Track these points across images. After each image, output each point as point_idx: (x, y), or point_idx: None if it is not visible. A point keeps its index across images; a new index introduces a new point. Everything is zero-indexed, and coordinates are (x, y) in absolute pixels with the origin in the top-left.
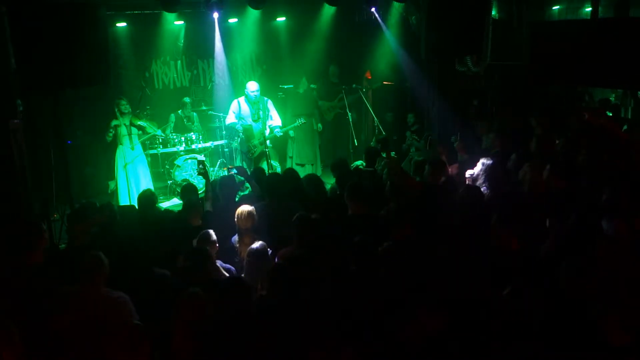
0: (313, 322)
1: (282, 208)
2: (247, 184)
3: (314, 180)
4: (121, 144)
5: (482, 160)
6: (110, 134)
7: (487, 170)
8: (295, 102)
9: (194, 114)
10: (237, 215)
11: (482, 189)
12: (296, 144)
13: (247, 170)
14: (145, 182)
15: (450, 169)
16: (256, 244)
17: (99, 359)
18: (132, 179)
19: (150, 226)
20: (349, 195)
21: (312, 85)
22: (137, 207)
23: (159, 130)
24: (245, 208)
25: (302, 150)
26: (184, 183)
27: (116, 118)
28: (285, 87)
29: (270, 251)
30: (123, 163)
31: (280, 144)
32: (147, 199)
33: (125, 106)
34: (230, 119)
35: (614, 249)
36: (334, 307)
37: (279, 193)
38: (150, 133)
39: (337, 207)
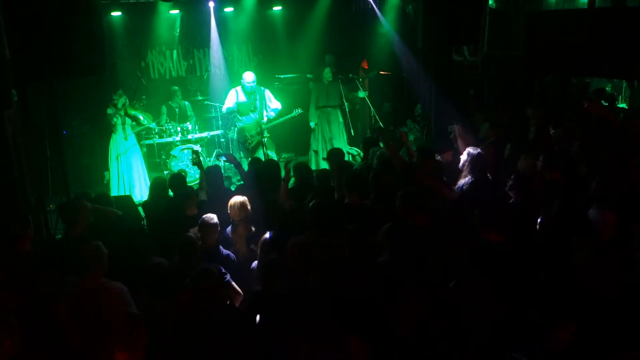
0: (317, 313)
1: (267, 201)
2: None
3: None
4: (115, 134)
5: (469, 150)
6: (114, 120)
7: (473, 160)
8: (320, 93)
9: (187, 103)
10: (230, 206)
11: (467, 179)
12: (320, 137)
13: (243, 159)
14: (140, 173)
15: (445, 156)
16: (268, 234)
17: (98, 348)
18: (124, 170)
19: (151, 215)
20: (347, 185)
21: (308, 75)
22: (149, 194)
23: (154, 124)
24: (237, 199)
25: (329, 145)
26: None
27: (109, 107)
28: (283, 77)
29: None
30: (115, 152)
31: (284, 135)
32: (161, 186)
33: (117, 100)
34: (228, 105)
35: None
36: (337, 297)
37: (263, 184)
38: (144, 125)
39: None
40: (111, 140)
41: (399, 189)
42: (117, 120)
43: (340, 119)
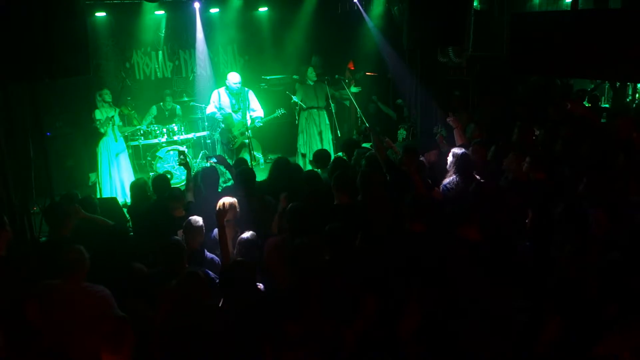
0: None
1: (256, 202)
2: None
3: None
4: (106, 136)
5: (453, 151)
6: (104, 127)
7: (458, 161)
8: (307, 95)
9: (177, 106)
10: (218, 207)
11: (452, 178)
12: (308, 139)
13: (228, 159)
14: (129, 175)
15: (428, 156)
16: (246, 234)
17: (83, 351)
18: (117, 172)
19: (136, 218)
20: (336, 185)
21: (294, 77)
22: (130, 197)
23: (144, 125)
24: (226, 200)
25: (315, 146)
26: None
27: (97, 109)
28: (268, 77)
29: None
30: (107, 154)
31: (269, 135)
32: (141, 188)
33: (108, 95)
34: (210, 109)
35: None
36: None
37: (253, 188)
38: (135, 126)
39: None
40: (100, 143)
41: (387, 190)
42: (108, 126)
43: (327, 121)
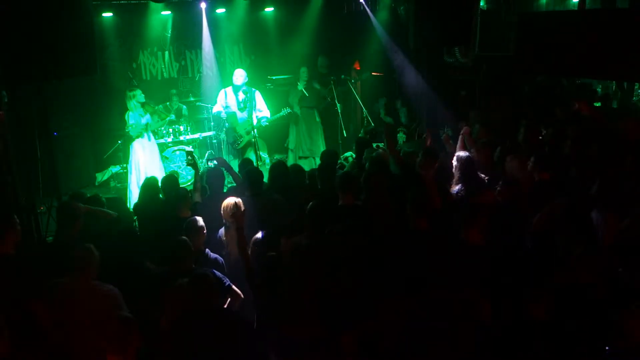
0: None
1: (266, 202)
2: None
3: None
4: (140, 137)
5: (458, 154)
6: (140, 134)
7: (461, 165)
8: (297, 93)
9: (183, 106)
10: (223, 208)
11: (460, 185)
12: (296, 136)
13: (232, 160)
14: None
15: None
16: (259, 234)
17: (89, 350)
18: (154, 170)
19: (142, 217)
20: (341, 186)
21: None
22: (140, 196)
23: (173, 115)
24: (231, 200)
25: (304, 142)
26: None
27: (129, 111)
28: (274, 77)
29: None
30: (137, 152)
31: (275, 135)
32: (152, 187)
33: (141, 95)
34: (217, 108)
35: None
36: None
37: (261, 187)
38: (164, 119)
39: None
40: (133, 143)
41: (392, 189)
42: (145, 131)
43: (317, 119)
